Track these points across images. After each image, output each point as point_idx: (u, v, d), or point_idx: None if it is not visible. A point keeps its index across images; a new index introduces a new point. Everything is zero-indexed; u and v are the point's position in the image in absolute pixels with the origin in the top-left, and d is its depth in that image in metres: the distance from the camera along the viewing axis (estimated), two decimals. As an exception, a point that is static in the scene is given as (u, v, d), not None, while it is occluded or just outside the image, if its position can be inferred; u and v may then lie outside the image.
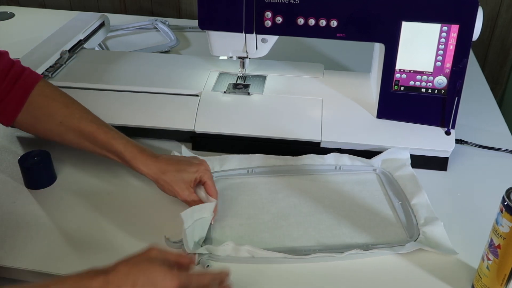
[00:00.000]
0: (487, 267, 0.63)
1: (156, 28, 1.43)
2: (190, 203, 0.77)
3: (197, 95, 0.96)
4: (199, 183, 0.79)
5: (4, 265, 0.70)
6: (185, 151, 0.89)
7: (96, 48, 1.24)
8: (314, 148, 0.90)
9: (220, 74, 1.03)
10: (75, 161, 0.90)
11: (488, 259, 0.63)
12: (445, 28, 0.84)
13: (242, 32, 0.90)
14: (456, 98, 0.87)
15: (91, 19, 1.24)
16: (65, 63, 1.05)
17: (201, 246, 0.71)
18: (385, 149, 0.89)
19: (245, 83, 1.00)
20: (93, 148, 0.81)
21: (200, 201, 0.77)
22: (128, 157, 0.78)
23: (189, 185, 0.77)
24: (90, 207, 0.81)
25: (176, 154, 0.88)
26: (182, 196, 0.77)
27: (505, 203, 0.58)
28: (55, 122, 0.81)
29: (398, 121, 0.91)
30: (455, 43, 0.84)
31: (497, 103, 1.12)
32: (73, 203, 0.81)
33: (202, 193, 0.79)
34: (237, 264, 0.70)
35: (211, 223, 0.75)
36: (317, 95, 0.96)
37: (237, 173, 0.88)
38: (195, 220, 0.72)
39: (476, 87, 1.17)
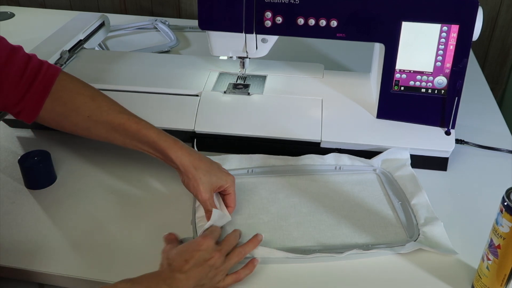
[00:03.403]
0: (487, 267, 0.63)
1: (156, 28, 1.43)
2: (205, 206, 0.76)
3: (197, 95, 0.96)
4: (221, 192, 0.78)
5: (4, 265, 0.70)
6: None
7: (96, 48, 1.24)
8: (314, 148, 0.91)
9: (220, 74, 1.03)
10: (75, 161, 0.90)
11: (488, 259, 0.63)
12: (445, 28, 0.84)
13: (242, 32, 0.90)
14: (456, 98, 0.87)
15: (91, 19, 1.24)
16: (65, 63, 1.05)
17: None
18: (385, 149, 0.89)
19: (245, 83, 1.00)
20: (123, 140, 0.79)
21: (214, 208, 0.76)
22: (162, 146, 0.76)
23: (213, 190, 0.76)
24: (90, 207, 0.81)
25: None
26: (203, 197, 0.75)
27: (505, 203, 0.58)
28: (82, 117, 0.78)
29: (398, 121, 0.91)
30: (455, 43, 0.84)
31: (497, 103, 1.12)
32: (73, 203, 0.82)
33: (217, 201, 0.78)
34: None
35: None
36: (317, 95, 0.96)
37: (237, 173, 0.87)
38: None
39: (476, 87, 1.17)
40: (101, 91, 0.95)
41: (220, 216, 0.74)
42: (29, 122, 0.78)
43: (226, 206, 0.78)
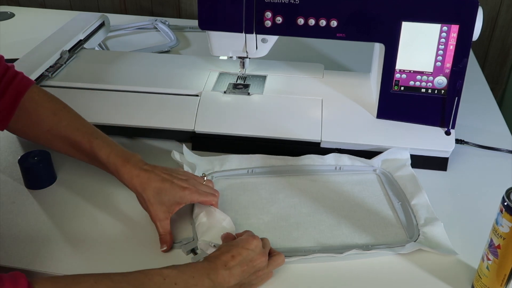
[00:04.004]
0: (487, 267, 0.63)
1: (156, 28, 1.43)
2: (157, 229, 0.73)
3: (197, 95, 0.96)
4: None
5: (4, 265, 0.70)
6: (186, 151, 0.89)
7: (96, 48, 1.24)
8: (314, 148, 0.90)
9: (220, 74, 1.03)
10: (75, 161, 0.90)
11: (488, 259, 0.63)
12: (445, 28, 0.84)
13: (242, 32, 0.90)
14: (456, 98, 0.87)
15: (91, 19, 1.24)
16: (65, 63, 1.05)
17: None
18: (385, 149, 0.89)
19: (245, 83, 1.00)
20: (80, 156, 0.79)
21: (166, 233, 0.73)
22: (111, 169, 0.75)
23: (168, 210, 0.73)
24: (90, 207, 0.81)
25: (176, 154, 0.87)
26: (154, 218, 0.73)
27: (505, 203, 0.58)
28: (43, 130, 0.79)
29: (398, 121, 0.91)
30: (455, 43, 0.84)
31: (497, 103, 1.12)
32: (73, 203, 0.82)
33: (207, 213, 0.76)
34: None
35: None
36: (317, 95, 0.96)
37: (237, 173, 0.88)
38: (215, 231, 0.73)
39: (476, 87, 1.17)
40: (101, 91, 0.96)
41: (219, 219, 0.74)
42: (1, 129, 0.80)
43: None
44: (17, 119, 0.79)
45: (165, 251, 0.72)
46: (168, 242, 0.72)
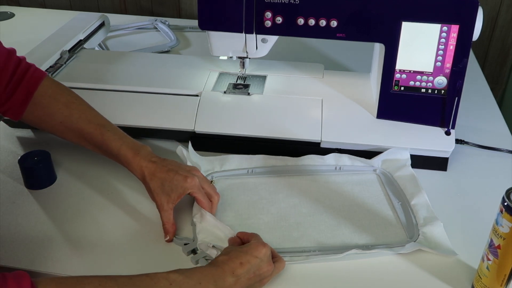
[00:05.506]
0: (487, 267, 0.63)
1: (156, 28, 1.43)
2: (161, 218, 0.74)
3: (197, 95, 0.96)
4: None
5: (4, 265, 0.70)
6: (191, 150, 0.89)
7: (96, 48, 1.24)
8: (314, 148, 0.90)
9: (220, 74, 1.03)
10: (75, 161, 0.90)
11: (488, 259, 0.63)
12: (445, 28, 0.84)
13: (242, 32, 0.90)
14: (456, 98, 0.87)
15: (91, 19, 1.24)
16: (65, 63, 1.05)
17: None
18: (385, 149, 0.89)
19: (245, 83, 1.00)
20: (92, 148, 0.82)
21: (169, 223, 0.74)
22: (122, 160, 0.78)
23: (171, 200, 0.74)
24: (90, 207, 0.81)
25: (184, 150, 0.87)
26: (158, 208, 0.75)
27: (505, 204, 0.58)
28: (56, 122, 0.81)
29: (398, 121, 0.91)
30: (455, 43, 0.84)
31: (497, 103, 1.12)
32: (73, 203, 0.82)
33: (196, 210, 0.77)
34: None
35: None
36: (317, 95, 0.96)
37: (237, 173, 0.88)
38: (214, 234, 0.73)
39: (476, 87, 1.17)
40: (101, 91, 0.96)
41: (211, 222, 0.74)
42: (16, 120, 0.82)
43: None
44: (31, 111, 0.81)
45: (168, 241, 0.74)
46: (171, 233, 0.74)
